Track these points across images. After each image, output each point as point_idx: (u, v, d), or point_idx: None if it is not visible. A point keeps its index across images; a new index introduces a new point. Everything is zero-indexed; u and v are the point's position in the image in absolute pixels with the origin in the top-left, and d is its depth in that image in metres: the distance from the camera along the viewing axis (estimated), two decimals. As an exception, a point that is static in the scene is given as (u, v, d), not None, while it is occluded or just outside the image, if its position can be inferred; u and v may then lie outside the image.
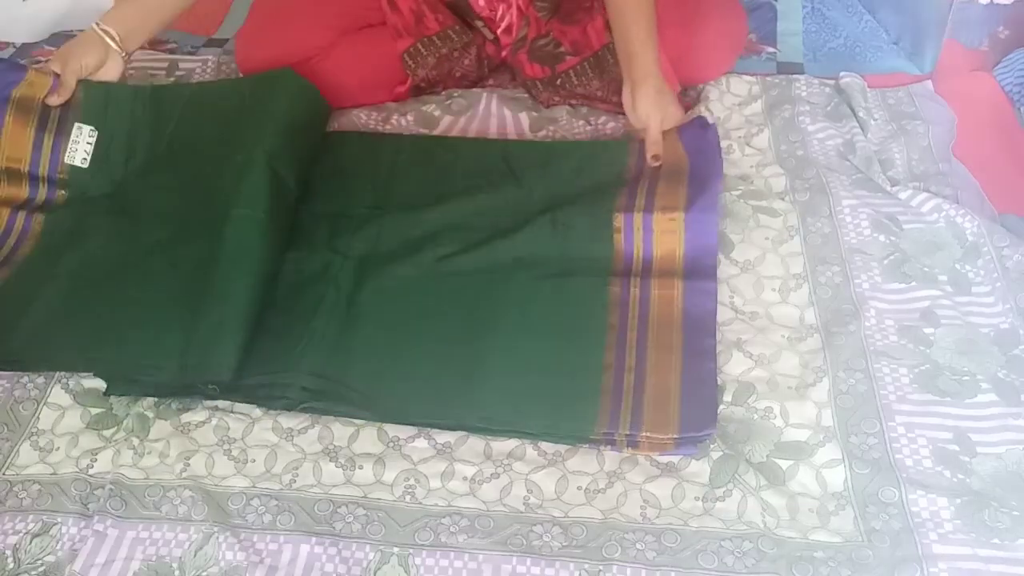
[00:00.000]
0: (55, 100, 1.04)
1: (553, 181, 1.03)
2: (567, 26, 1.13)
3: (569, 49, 1.13)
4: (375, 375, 0.87)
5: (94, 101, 1.07)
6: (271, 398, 0.86)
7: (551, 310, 0.91)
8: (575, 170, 1.05)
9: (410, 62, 1.16)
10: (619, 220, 0.96)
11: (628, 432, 0.81)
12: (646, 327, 0.89)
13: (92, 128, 1.06)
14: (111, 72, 1.09)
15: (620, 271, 0.94)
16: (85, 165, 1.05)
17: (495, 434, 0.83)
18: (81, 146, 1.05)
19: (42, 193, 1.04)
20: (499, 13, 1.14)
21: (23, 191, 1.03)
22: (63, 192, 1.04)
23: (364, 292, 0.94)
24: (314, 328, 0.90)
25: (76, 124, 1.05)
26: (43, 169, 1.04)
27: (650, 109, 1.04)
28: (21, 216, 1.02)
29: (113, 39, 1.07)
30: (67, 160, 1.04)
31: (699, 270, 0.93)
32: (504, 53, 1.18)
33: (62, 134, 1.05)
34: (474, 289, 0.93)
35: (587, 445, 0.82)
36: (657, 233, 0.95)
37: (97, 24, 1.07)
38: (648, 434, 0.80)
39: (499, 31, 1.16)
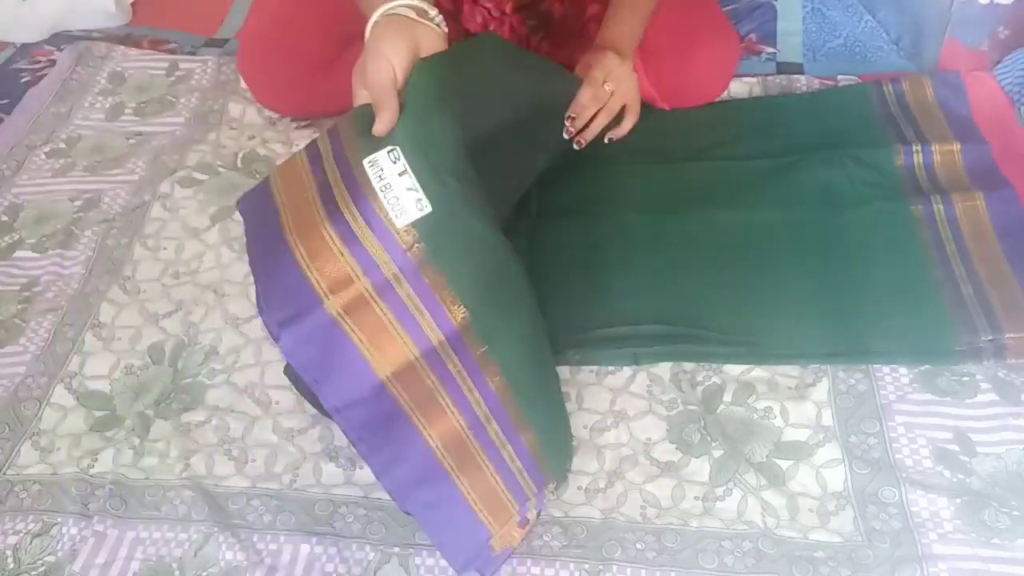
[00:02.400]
0: (382, 128, 0.70)
1: (800, 129, 1.07)
2: (556, 49, 1.12)
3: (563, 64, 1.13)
4: (737, 315, 0.89)
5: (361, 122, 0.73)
6: (615, 355, 0.88)
7: (860, 237, 0.94)
8: (819, 116, 1.09)
9: None
10: (898, 149, 1.01)
11: (990, 338, 0.84)
12: (963, 240, 0.92)
13: (390, 149, 0.68)
14: (436, 49, 0.77)
15: (914, 191, 0.98)
16: (427, 210, 0.67)
17: (856, 362, 0.85)
18: (396, 186, 0.67)
19: (389, 270, 0.68)
20: (491, 29, 1.13)
21: (361, 285, 0.68)
22: (417, 247, 0.68)
23: (668, 241, 0.96)
24: (639, 279, 0.93)
25: (362, 161, 0.68)
26: (380, 258, 0.67)
27: (613, 64, 0.99)
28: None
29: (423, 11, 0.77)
30: (399, 223, 0.67)
31: (992, 183, 0.97)
32: None
33: (359, 195, 0.68)
34: (779, 230, 0.96)
35: (947, 367, 0.84)
36: (938, 162, 1.00)
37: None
38: (1012, 335, 0.83)
39: None
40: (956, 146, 1.01)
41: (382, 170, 0.67)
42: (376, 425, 0.69)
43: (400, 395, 0.69)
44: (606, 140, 1.03)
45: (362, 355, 0.68)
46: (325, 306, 0.66)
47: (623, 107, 1.03)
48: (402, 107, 0.71)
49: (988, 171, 0.99)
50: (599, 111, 1.00)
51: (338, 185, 0.69)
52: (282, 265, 0.68)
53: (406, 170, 0.67)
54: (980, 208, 0.94)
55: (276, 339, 0.67)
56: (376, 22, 0.76)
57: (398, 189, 0.67)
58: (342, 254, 0.67)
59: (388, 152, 0.68)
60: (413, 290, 0.68)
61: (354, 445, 0.70)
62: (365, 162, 0.68)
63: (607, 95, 0.99)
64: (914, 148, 1.01)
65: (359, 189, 0.68)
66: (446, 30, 0.78)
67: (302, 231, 0.69)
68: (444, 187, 0.68)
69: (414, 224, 0.67)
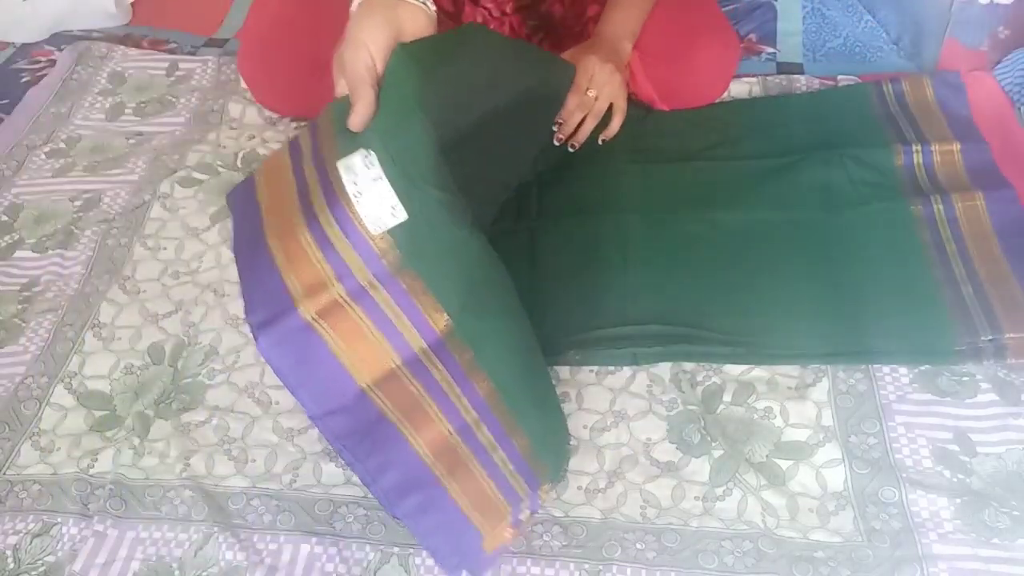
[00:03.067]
0: (356, 122, 0.69)
1: (802, 129, 1.07)
2: (557, 49, 1.12)
3: None
4: (737, 315, 0.89)
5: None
6: (615, 355, 0.87)
7: (860, 237, 0.94)
8: (818, 116, 1.09)
9: None
10: (898, 149, 1.01)
11: (991, 338, 0.83)
12: (963, 240, 0.92)
13: (364, 154, 0.66)
14: (421, 31, 0.74)
15: (914, 191, 0.98)
16: (402, 217, 0.66)
17: (856, 362, 0.85)
18: (370, 192, 0.65)
19: (364, 277, 0.68)
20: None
21: (335, 291, 0.68)
22: (393, 254, 0.68)
23: (668, 241, 0.96)
24: (635, 279, 0.93)
25: (336, 164, 0.67)
26: (354, 265, 0.67)
27: (594, 69, 1.00)
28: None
29: None
30: (373, 230, 0.67)
31: (992, 183, 0.97)
32: None
33: (333, 200, 0.68)
34: (779, 230, 0.96)
35: (947, 367, 0.84)
36: (938, 162, 1.00)
37: None
38: (1012, 335, 0.83)
39: None
40: (956, 146, 1.01)
41: (356, 176, 0.65)
42: (361, 434, 0.68)
43: (384, 403, 0.68)
44: (599, 142, 1.03)
45: (340, 363, 0.67)
46: (300, 310, 0.66)
47: (611, 106, 1.03)
48: (380, 100, 0.69)
49: (988, 171, 0.99)
50: (587, 116, 1.01)
51: (315, 188, 0.70)
52: (262, 266, 0.68)
53: (381, 176, 0.65)
54: (980, 208, 0.94)
55: (255, 340, 0.67)
56: (360, 3, 0.73)
57: (371, 196, 0.65)
58: (318, 260, 0.67)
59: (363, 157, 0.66)
60: (391, 296, 0.68)
61: (339, 454, 0.70)
62: (339, 165, 0.66)
63: (592, 101, 1.00)
64: (914, 148, 1.01)
65: (334, 194, 0.67)
66: (434, 9, 0.74)
67: (282, 234, 0.69)
68: (421, 193, 0.67)
69: (390, 231, 0.66)
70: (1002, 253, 0.90)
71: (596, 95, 1.00)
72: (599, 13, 1.08)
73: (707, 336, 0.87)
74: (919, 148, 1.01)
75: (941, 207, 0.95)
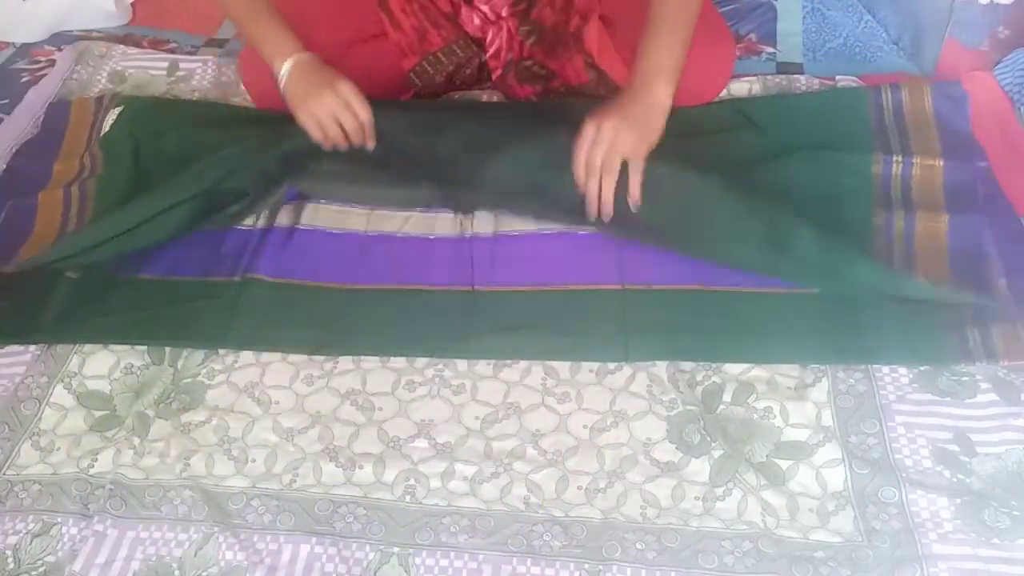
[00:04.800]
0: (371, 144, 1.01)
1: (793, 129, 1.07)
2: (549, 57, 1.12)
3: (556, 72, 1.13)
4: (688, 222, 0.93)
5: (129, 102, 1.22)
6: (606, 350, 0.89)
7: (822, 237, 0.92)
8: (814, 118, 1.09)
9: (417, 81, 1.15)
10: (877, 158, 1.02)
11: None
12: (915, 259, 0.93)
13: (121, 108, 1.19)
14: None
15: (882, 201, 0.98)
16: (106, 130, 1.17)
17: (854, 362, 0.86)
18: (110, 121, 1.18)
19: (87, 165, 1.13)
20: (489, 36, 1.13)
21: (74, 169, 1.13)
22: (100, 156, 1.13)
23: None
24: None
25: (111, 111, 1.19)
26: (86, 151, 1.16)
27: (586, 146, 0.92)
28: (75, 188, 1.09)
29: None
30: (102, 135, 1.16)
31: (961, 207, 0.97)
32: (495, 77, 1.16)
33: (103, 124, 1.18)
34: (750, 218, 0.95)
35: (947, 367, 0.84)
36: (916, 176, 1.00)
37: (298, 56, 0.99)
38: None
39: (488, 55, 1.15)
40: (939, 162, 1.00)
41: (112, 113, 1.20)
42: None
43: None
44: (632, 209, 0.93)
45: None
46: None
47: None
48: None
49: (965, 192, 0.98)
50: (602, 180, 0.92)
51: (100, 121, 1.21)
52: None
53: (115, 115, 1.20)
54: (941, 232, 0.94)
55: None
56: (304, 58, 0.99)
57: (110, 121, 1.19)
58: None
59: (120, 108, 1.20)
60: None
61: None
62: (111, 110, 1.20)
63: (596, 165, 0.92)
64: (894, 159, 1.01)
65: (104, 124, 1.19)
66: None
67: None
68: None
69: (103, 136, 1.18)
70: (951, 275, 0.90)
71: (598, 156, 0.92)
72: (580, 28, 1.08)
73: (701, 325, 0.88)
74: (900, 159, 1.01)
75: (903, 224, 0.95)
